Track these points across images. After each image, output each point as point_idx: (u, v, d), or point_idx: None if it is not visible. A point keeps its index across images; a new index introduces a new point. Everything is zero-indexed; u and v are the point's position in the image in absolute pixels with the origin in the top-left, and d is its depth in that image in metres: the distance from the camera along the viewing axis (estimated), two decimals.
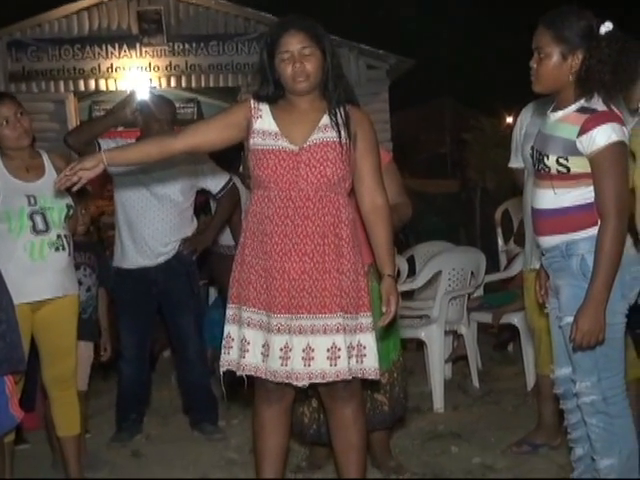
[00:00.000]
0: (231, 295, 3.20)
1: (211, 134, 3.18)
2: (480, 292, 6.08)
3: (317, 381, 3.08)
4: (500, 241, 7.50)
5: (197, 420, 4.97)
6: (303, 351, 3.06)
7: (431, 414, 5.09)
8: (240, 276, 3.17)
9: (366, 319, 3.14)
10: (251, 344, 3.12)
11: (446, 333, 5.46)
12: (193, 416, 5.02)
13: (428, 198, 13.28)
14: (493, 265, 7.27)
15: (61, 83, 10.60)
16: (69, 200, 3.89)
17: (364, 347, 3.12)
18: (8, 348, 3.38)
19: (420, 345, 5.68)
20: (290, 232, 3.07)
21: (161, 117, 4.65)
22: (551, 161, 3.01)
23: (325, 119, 3.13)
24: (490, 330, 6.40)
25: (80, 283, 4.22)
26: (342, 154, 3.10)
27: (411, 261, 6.28)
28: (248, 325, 3.12)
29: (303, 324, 3.06)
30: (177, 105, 14.97)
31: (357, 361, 3.12)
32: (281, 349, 3.06)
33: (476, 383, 5.65)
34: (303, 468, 4.14)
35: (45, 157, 3.94)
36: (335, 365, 3.06)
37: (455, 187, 15.67)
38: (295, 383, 3.09)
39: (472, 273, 5.67)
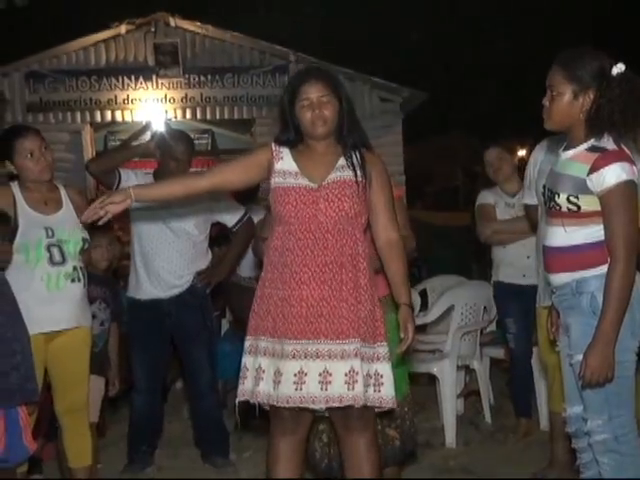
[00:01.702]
0: (250, 327, 3.29)
1: (235, 174, 3.35)
2: (493, 327, 6.08)
3: (334, 405, 3.12)
4: None
5: (208, 452, 4.98)
6: (320, 375, 3.11)
7: (443, 449, 5.08)
8: (259, 308, 3.27)
9: (383, 348, 3.23)
10: (265, 372, 3.19)
11: (458, 368, 5.46)
12: (204, 448, 5.03)
13: (440, 231, 13.30)
14: None
15: (78, 114, 10.73)
16: (85, 234, 3.96)
17: (381, 376, 3.20)
18: (22, 379, 3.43)
19: (432, 379, 5.67)
20: (309, 262, 3.19)
21: (180, 157, 4.72)
22: (562, 199, 3.03)
23: (342, 160, 3.32)
24: (503, 365, 6.39)
25: (94, 316, 4.28)
26: (358, 191, 3.27)
27: (424, 295, 6.28)
28: (264, 354, 3.20)
29: (320, 349, 3.13)
30: (192, 136, 15.18)
31: (374, 390, 3.19)
32: (295, 374, 3.12)
33: (488, 419, 5.64)
34: None
35: (62, 191, 4.00)
36: (353, 389, 3.11)
37: (467, 220, 15.66)
38: (312, 406, 3.13)
39: (485, 308, 5.68)
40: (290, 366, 3.12)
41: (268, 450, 3.37)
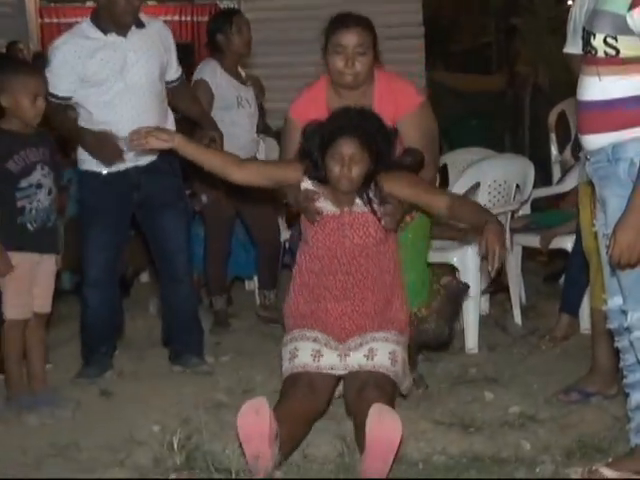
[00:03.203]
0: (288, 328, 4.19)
1: (265, 180, 4.15)
2: (527, 210, 6.09)
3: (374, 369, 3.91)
4: (554, 149, 7.50)
5: (179, 351, 5.07)
6: (364, 355, 3.95)
7: (462, 355, 5.17)
8: (294, 323, 4.12)
9: (394, 336, 4.06)
10: (300, 350, 3.98)
11: (483, 258, 5.47)
12: (175, 346, 5.12)
13: (467, 97, 13.23)
14: (544, 178, 7.27)
15: None
16: None
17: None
18: None
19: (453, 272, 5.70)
20: (332, 284, 4.04)
21: None
22: (598, 41, 3.00)
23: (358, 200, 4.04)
24: (538, 257, 6.43)
25: (39, 186, 4.36)
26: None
27: (444, 170, 6.27)
28: (301, 339, 4.02)
29: (360, 340, 3.99)
30: None
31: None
32: (338, 355, 3.97)
33: (518, 320, 5.71)
34: None
35: None
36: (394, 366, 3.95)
37: (501, 84, 15.56)
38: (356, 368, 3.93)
39: (517, 186, 5.67)
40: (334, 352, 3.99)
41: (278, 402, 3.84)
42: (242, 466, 3.49)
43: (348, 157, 3.87)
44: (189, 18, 15.37)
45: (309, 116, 4.15)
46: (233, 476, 3.46)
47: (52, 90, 4.72)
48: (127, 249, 6.35)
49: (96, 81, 4.77)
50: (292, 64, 9.41)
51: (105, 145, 4.77)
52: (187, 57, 14.52)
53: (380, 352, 3.93)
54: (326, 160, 3.94)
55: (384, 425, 3.38)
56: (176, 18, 15.34)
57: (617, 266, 2.99)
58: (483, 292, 5.69)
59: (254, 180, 4.14)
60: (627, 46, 2.95)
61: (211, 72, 5.87)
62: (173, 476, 3.56)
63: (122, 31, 4.82)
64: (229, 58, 5.90)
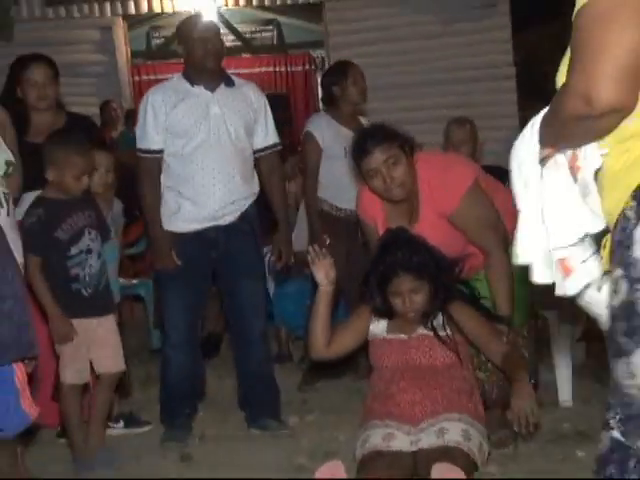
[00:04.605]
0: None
1: (352, 344, 4.32)
2: None
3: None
4: None
5: (256, 415, 4.99)
6: (435, 434, 3.86)
7: (555, 409, 5.00)
8: (366, 418, 4.15)
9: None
10: (371, 436, 3.95)
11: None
12: (251, 409, 5.04)
13: None
14: None
15: (107, 5, 10.58)
16: (9, 155, 4.00)
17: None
18: (16, 329, 3.38)
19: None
20: (402, 399, 4.04)
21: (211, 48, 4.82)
22: None
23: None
24: None
25: (89, 251, 4.41)
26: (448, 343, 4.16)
27: None
28: (372, 427, 4.00)
29: (432, 421, 3.93)
30: (254, 29, 15.03)
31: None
32: (409, 437, 3.91)
33: None
34: None
35: None
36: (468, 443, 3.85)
37: None
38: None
39: None
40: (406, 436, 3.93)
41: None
42: None
43: (407, 291, 4.07)
44: (283, 69, 15.49)
45: (371, 215, 4.48)
46: None
47: (143, 145, 4.77)
48: (215, 307, 6.36)
49: (179, 131, 4.75)
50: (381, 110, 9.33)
51: (164, 254, 4.81)
52: (282, 107, 14.73)
53: (452, 431, 3.85)
54: (388, 297, 4.13)
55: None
56: (270, 69, 15.48)
57: None
58: (577, 339, 5.50)
59: (342, 352, 4.34)
60: None
61: (318, 124, 5.88)
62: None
63: (210, 85, 4.82)
64: (344, 109, 5.87)
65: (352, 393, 5.51)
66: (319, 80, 15.28)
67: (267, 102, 5.08)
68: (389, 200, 4.32)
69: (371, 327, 4.26)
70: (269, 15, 13.85)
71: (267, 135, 5.03)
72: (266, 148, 5.04)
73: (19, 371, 3.48)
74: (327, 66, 10.38)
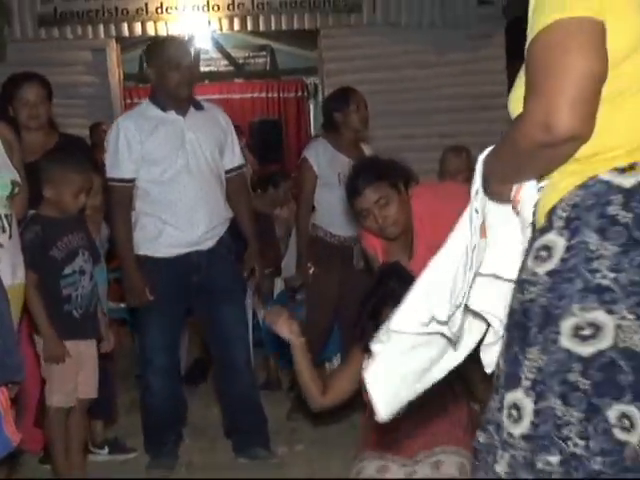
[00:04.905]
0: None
1: (349, 388, 3.89)
2: None
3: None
4: None
5: (242, 443, 4.91)
6: (430, 466, 3.73)
7: None
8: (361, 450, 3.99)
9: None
10: (365, 467, 3.79)
11: None
12: (238, 438, 4.96)
13: None
14: None
15: (100, 27, 10.54)
16: (15, 176, 3.95)
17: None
18: (1, 352, 3.31)
19: None
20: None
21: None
22: None
23: None
24: None
25: (82, 272, 4.34)
26: None
27: None
28: (367, 458, 3.84)
29: (428, 453, 3.78)
30: (247, 54, 15.08)
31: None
32: (405, 469, 3.76)
33: None
34: None
35: None
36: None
37: None
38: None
39: None
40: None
41: None
42: None
43: None
44: (276, 95, 15.52)
45: (372, 245, 4.31)
46: None
47: (116, 174, 4.67)
48: (201, 333, 6.28)
49: (156, 159, 4.68)
50: (375, 137, 9.30)
51: (137, 290, 4.73)
52: (275, 133, 14.74)
53: (447, 463, 3.72)
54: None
55: None
56: (263, 95, 15.51)
57: None
58: None
59: (341, 398, 4.01)
60: None
61: (314, 150, 5.81)
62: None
63: (181, 110, 4.75)
64: (346, 135, 5.78)
65: (342, 422, 5.42)
66: (311, 107, 15.51)
67: (232, 124, 5.09)
68: (385, 238, 4.26)
69: (364, 365, 4.15)
70: (262, 41, 13.84)
71: (234, 156, 5.02)
72: (232, 170, 5.00)
73: (1, 395, 3.39)
74: (320, 93, 10.36)
